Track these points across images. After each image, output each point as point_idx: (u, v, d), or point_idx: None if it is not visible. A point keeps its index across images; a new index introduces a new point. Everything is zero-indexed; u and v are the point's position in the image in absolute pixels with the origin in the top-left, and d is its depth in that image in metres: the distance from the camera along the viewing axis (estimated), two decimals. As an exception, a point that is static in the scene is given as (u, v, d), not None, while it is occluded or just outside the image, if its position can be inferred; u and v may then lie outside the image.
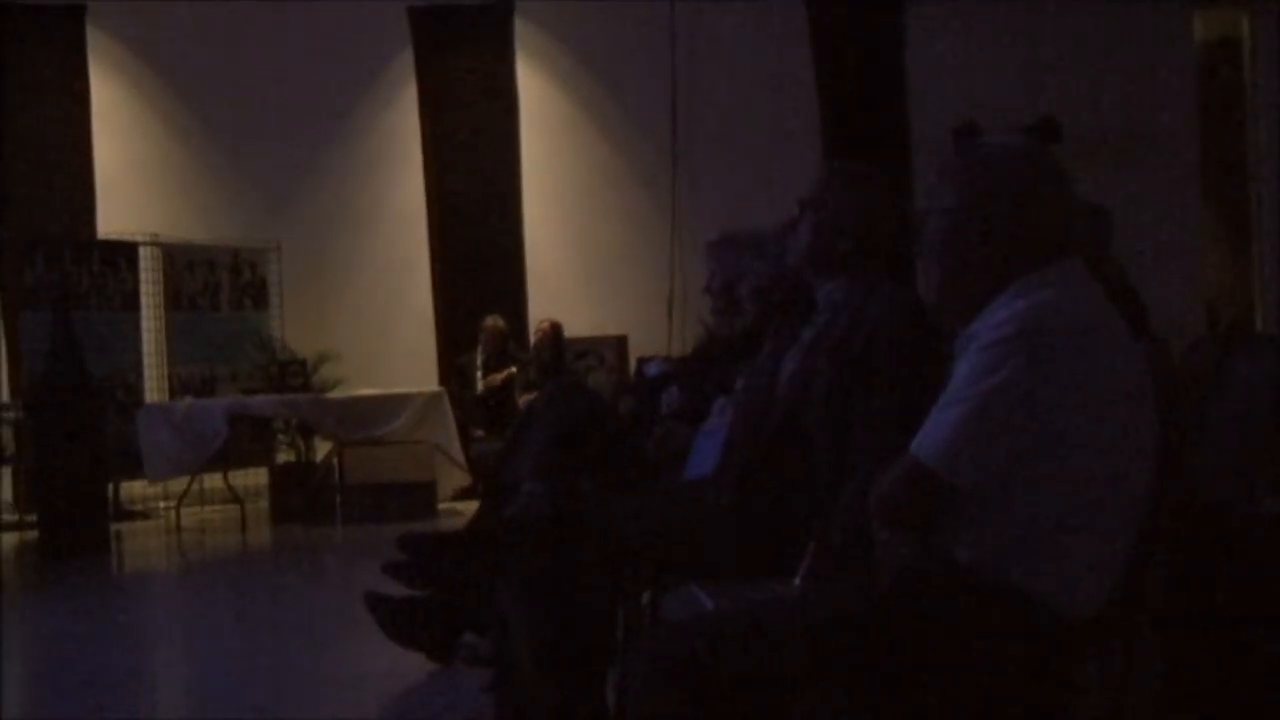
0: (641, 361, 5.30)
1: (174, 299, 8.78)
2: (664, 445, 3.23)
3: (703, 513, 2.57)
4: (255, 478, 8.58)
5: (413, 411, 8.11)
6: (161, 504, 8.45)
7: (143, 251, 8.69)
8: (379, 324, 9.50)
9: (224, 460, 7.97)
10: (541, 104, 9.62)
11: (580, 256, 9.53)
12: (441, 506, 7.98)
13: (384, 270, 9.62)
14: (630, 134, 9.46)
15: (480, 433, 8.33)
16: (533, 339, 8.72)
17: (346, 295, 9.58)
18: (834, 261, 2.63)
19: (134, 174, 9.43)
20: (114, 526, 7.43)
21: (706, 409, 3.13)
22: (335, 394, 8.44)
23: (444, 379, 9.09)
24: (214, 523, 8.21)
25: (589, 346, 9.05)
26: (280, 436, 8.64)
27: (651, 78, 9.20)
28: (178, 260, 8.82)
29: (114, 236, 8.74)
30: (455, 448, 8.18)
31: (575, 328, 8.87)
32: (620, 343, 9.07)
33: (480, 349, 8.66)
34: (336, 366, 8.77)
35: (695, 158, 9.25)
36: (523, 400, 7.95)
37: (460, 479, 8.28)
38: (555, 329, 8.61)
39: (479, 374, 8.60)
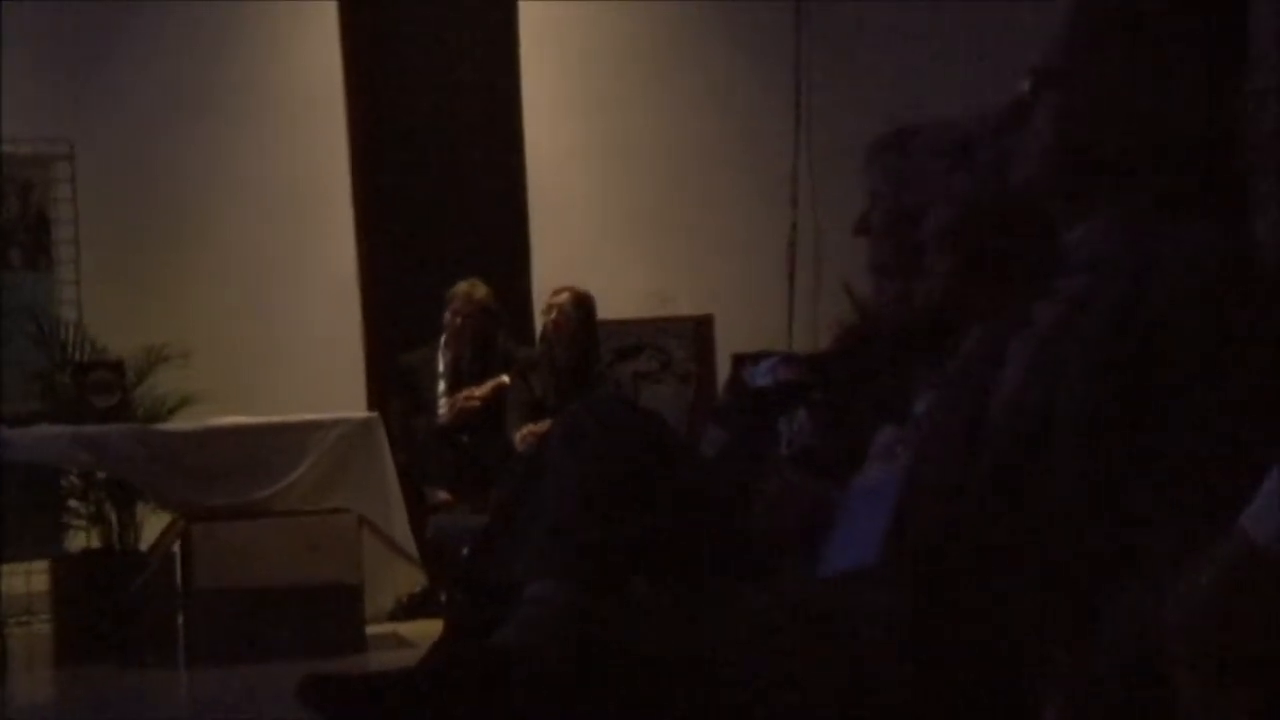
0: (741, 363, 5.29)
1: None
2: (783, 512, 3.27)
3: (855, 633, 2.61)
4: (26, 579, 8.69)
5: (320, 456, 8.19)
6: None
7: None
8: (259, 296, 9.61)
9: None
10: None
11: (624, 179, 9.59)
12: (374, 630, 8.06)
13: (269, 201, 9.72)
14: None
15: (444, 494, 8.39)
16: (541, 324, 8.76)
17: (200, 243, 9.69)
18: (1096, 179, 2.66)
19: None
20: None
21: (860, 447, 3.17)
22: (178, 423, 8.54)
23: (378, 398, 9.18)
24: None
25: (643, 336, 9.10)
26: (74, 503, 8.75)
27: None
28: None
29: None
30: (399, 521, 8.24)
31: (617, 303, 8.93)
32: (700, 329, 9.13)
33: (445, 342, 8.73)
34: (181, 374, 8.89)
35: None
36: (521, 435, 8.01)
37: (408, 579, 8.34)
38: (581, 305, 8.63)
39: (442, 387, 8.67)
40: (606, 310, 8.77)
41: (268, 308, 9.67)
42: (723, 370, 8.24)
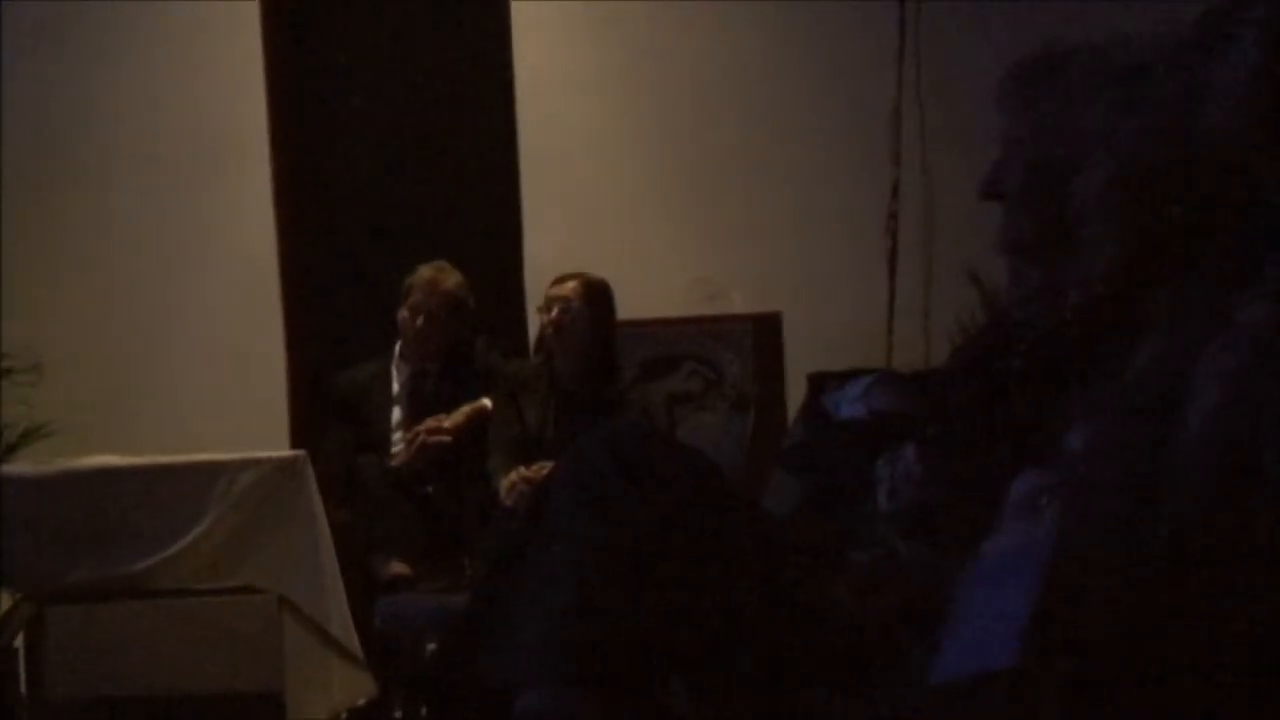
0: (820, 383, 5.28)
1: None
2: (881, 593, 3.27)
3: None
4: None
5: (225, 512, 8.20)
6: None
7: None
8: (140, 290, 9.66)
9: None
10: None
11: (654, 124, 9.64)
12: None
13: (156, 159, 9.78)
14: None
15: (400, 566, 8.42)
16: (537, 325, 8.78)
17: (60, 217, 9.75)
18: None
19: None
20: None
21: (991, 500, 3.17)
22: (23, 465, 8.58)
23: (306, 430, 9.22)
24: None
25: (681, 344, 9.12)
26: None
27: None
28: None
29: None
30: (336, 604, 8.25)
31: (645, 298, 8.96)
32: (762, 335, 9.13)
33: (401, 352, 8.80)
34: (28, 396, 8.94)
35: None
36: (510, 483, 8.03)
37: (349, 684, 8.35)
38: (594, 300, 8.65)
39: (397, 415, 8.72)
40: (630, 307, 8.77)
41: (151, 305, 9.69)
42: (794, 393, 8.20)
